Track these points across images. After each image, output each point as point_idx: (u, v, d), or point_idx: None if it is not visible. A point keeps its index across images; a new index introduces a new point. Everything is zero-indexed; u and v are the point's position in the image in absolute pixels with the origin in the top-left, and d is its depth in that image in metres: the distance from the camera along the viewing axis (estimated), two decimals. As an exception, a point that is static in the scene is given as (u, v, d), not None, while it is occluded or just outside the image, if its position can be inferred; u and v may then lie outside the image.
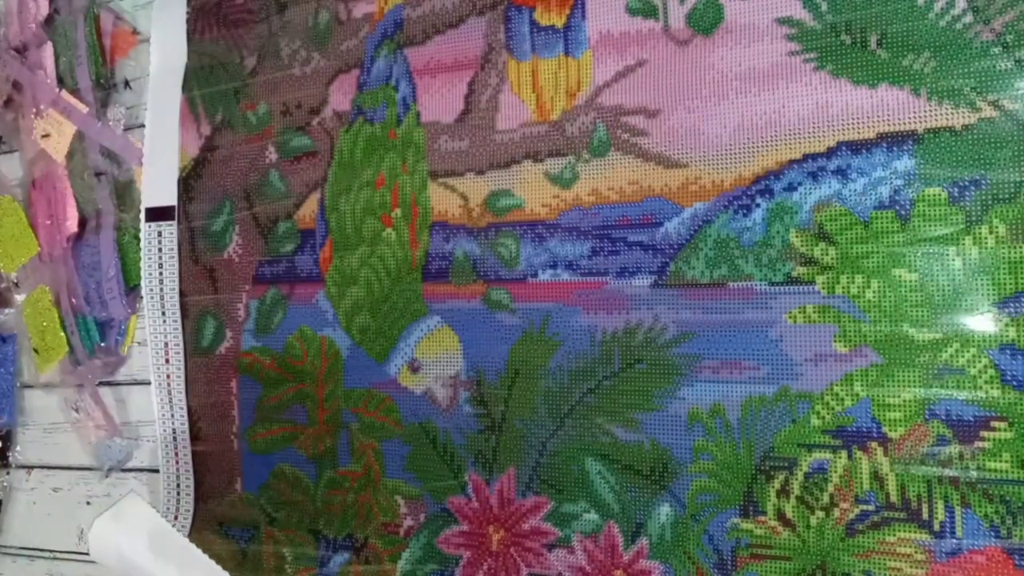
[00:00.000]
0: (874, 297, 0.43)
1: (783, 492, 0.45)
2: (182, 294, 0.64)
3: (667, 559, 0.48)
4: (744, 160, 0.46)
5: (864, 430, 0.43)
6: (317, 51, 0.59)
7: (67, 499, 0.70)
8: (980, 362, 0.41)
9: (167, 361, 0.64)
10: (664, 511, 0.48)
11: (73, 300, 0.68)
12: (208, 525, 0.62)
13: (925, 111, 0.43)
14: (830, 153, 0.44)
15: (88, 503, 0.69)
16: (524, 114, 0.52)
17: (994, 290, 0.41)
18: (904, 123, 0.43)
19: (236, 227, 0.62)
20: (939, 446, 0.42)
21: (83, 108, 0.68)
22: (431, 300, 0.55)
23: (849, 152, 0.44)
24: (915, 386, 0.42)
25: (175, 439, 0.64)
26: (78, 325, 0.68)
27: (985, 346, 0.41)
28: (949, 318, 0.42)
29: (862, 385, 0.44)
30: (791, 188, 0.45)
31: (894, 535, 0.43)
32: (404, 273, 0.56)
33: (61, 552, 0.70)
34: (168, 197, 0.64)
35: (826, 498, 0.44)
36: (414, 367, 0.55)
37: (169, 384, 0.64)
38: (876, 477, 0.43)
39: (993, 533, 0.41)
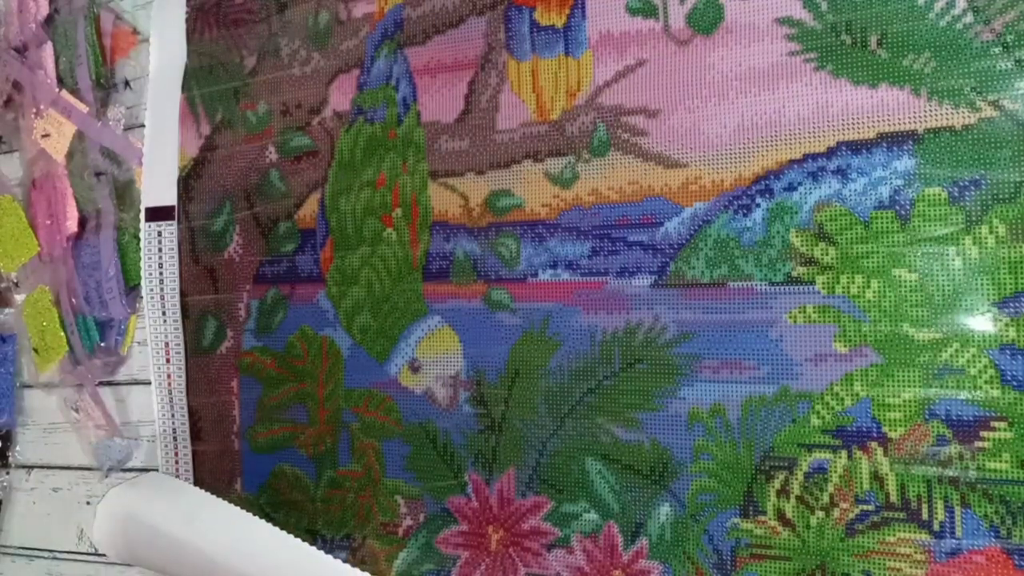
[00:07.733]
0: (874, 297, 0.43)
1: (783, 492, 0.45)
2: (182, 294, 0.64)
3: (667, 559, 0.48)
4: (744, 160, 0.46)
5: (864, 430, 0.43)
6: (317, 51, 0.59)
7: (67, 499, 0.70)
8: (980, 362, 0.41)
9: (167, 361, 0.64)
10: (664, 511, 0.48)
11: (73, 300, 0.68)
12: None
13: (925, 111, 0.43)
14: (830, 153, 0.44)
15: (88, 503, 0.69)
16: (524, 114, 0.52)
17: (994, 290, 0.41)
18: (904, 123, 0.43)
19: (236, 227, 0.62)
20: (939, 446, 0.42)
21: (83, 108, 0.68)
22: (431, 300, 0.55)
23: (849, 152, 0.44)
24: (915, 386, 0.42)
25: (175, 439, 0.64)
26: (78, 325, 0.68)
27: (985, 346, 0.41)
28: (949, 318, 0.42)
29: (862, 385, 0.43)
30: (791, 188, 0.45)
31: (894, 535, 0.43)
32: (405, 273, 0.56)
33: (61, 552, 0.70)
34: (168, 197, 0.64)
35: (826, 498, 0.44)
36: (414, 367, 0.55)
37: (169, 384, 0.64)
38: (876, 477, 0.43)
39: (993, 533, 0.41)
